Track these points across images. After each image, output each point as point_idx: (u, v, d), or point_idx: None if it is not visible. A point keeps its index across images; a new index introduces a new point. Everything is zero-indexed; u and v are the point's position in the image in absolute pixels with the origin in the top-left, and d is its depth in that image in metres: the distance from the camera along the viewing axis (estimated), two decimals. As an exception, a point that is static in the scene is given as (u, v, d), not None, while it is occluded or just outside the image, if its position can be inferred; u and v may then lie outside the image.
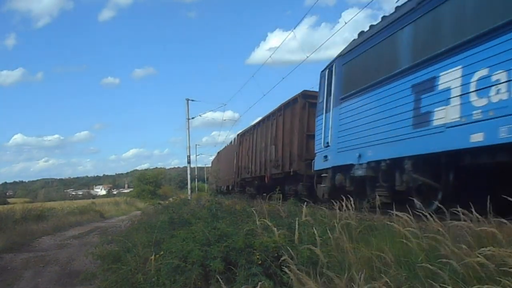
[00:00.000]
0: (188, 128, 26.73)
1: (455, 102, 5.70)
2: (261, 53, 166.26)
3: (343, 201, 5.36)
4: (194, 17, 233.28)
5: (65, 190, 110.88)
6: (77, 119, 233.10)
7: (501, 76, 4.97)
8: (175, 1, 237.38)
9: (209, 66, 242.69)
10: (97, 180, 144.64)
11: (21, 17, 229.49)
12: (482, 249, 2.61)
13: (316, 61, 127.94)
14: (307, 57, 16.16)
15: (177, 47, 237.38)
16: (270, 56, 73.04)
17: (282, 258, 3.34)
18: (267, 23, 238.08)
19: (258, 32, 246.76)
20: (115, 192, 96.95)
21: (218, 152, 32.37)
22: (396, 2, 7.80)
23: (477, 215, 3.49)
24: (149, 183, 52.19)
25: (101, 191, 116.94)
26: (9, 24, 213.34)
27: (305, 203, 5.79)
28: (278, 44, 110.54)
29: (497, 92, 5.03)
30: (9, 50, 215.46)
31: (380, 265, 3.09)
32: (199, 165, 68.56)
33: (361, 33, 9.09)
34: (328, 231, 3.94)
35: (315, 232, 3.70)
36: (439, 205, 5.12)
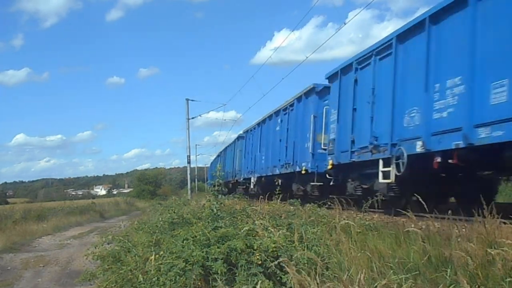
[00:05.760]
0: (188, 128, 26.71)
1: None
2: (266, 53, 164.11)
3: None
4: (201, 17, 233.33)
5: (65, 190, 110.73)
6: (80, 119, 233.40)
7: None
8: (183, 1, 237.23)
9: (214, 66, 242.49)
10: (97, 180, 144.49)
11: (29, 17, 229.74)
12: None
13: (321, 61, 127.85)
14: (307, 57, 16.08)
15: (183, 47, 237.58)
16: (270, 56, 73.13)
17: (280, 260, 3.31)
18: (274, 23, 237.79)
19: (265, 32, 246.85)
20: (115, 192, 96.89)
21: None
22: None
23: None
24: (149, 183, 52.18)
25: (101, 191, 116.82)
26: (16, 24, 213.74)
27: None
28: (284, 44, 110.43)
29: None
30: (15, 50, 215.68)
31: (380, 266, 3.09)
32: (199, 165, 68.50)
33: None
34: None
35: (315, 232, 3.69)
36: None
